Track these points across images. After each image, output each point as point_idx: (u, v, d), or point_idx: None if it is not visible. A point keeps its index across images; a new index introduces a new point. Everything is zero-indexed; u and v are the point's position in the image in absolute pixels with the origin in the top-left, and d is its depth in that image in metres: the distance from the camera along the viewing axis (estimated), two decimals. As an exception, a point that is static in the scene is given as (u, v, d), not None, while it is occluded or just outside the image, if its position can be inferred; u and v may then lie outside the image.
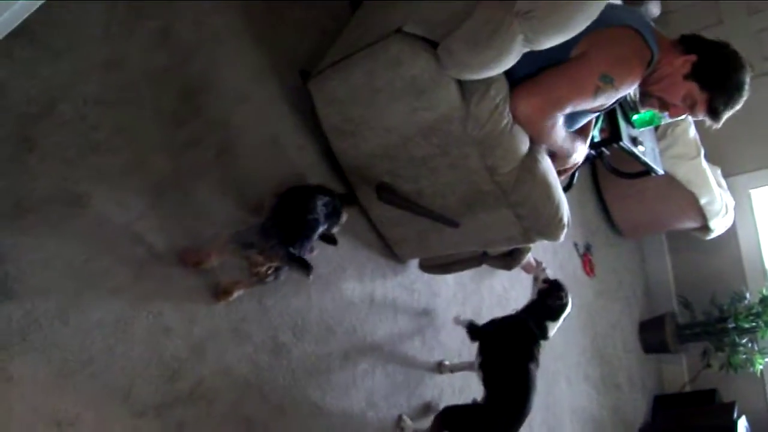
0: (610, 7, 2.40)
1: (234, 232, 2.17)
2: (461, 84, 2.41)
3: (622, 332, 5.96)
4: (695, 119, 2.75)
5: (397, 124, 2.56)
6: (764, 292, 5.93)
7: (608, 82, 2.41)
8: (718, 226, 5.95)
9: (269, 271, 2.15)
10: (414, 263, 3.32)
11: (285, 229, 2.16)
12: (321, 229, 2.33)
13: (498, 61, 2.28)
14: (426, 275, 3.38)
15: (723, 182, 6.13)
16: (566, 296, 3.08)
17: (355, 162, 2.78)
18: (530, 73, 2.46)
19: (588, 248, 5.62)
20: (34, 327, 1.81)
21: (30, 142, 1.90)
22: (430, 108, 2.45)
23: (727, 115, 2.60)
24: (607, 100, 2.53)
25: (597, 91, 2.42)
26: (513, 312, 3.12)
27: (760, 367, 5.89)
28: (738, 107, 2.59)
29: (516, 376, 2.87)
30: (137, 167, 2.17)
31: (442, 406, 3.19)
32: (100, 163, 2.07)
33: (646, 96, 2.70)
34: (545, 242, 3.44)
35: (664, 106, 2.68)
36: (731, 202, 6.01)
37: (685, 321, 6.43)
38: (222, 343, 2.29)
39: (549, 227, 2.66)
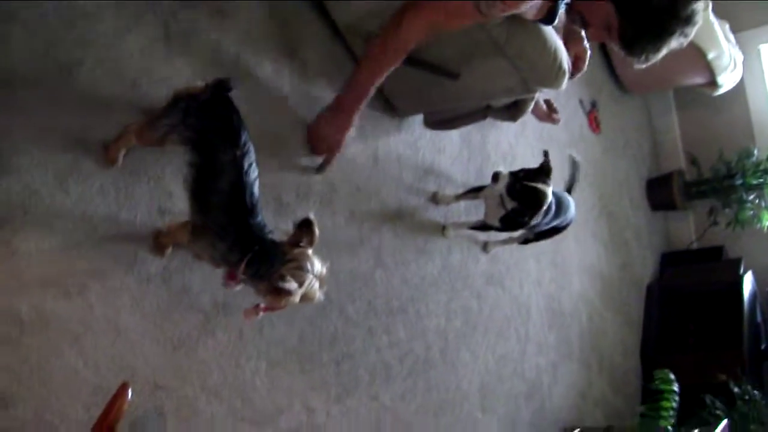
0: None
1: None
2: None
3: (629, 190, 5.96)
4: (614, 48, 2.26)
5: None
6: (772, 148, 5.92)
7: None
8: (726, 82, 5.87)
9: None
10: (417, 120, 3.25)
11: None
12: None
13: None
14: (430, 132, 3.32)
15: (731, 37, 6.01)
16: None
17: (349, 19, 2.67)
18: None
19: (594, 105, 5.55)
20: (34, 199, 1.78)
21: (13, 16, 1.81)
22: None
23: (648, 53, 2.13)
24: (493, 12, 2.22)
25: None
26: None
27: (767, 222, 5.92)
28: (667, 44, 2.10)
29: None
30: (128, 32, 2.08)
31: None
32: (88, 30, 1.98)
33: (571, 10, 2.37)
34: (551, 98, 3.40)
35: (584, 24, 2.32)
36: (740, 57, 5.91)
37: (693, 178, 6.44)
38: (224, 204, 2.25)
39: (548, 76, 2.59)
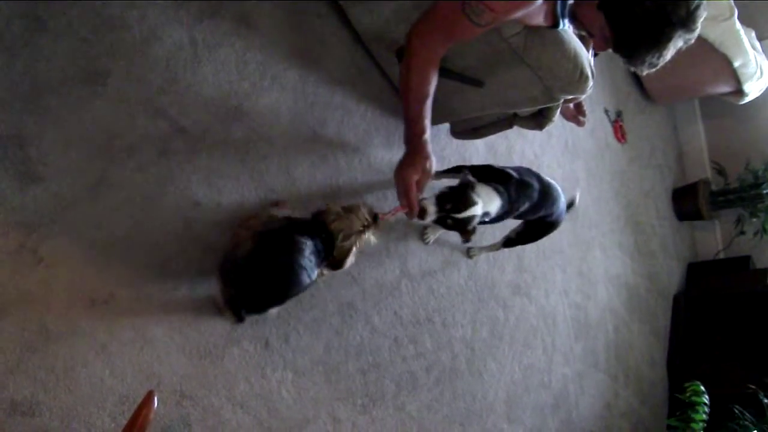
0: None
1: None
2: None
3: (655, 200, 5.92)
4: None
5: None
6: (799, 157, 5.88)
7: None
8: (753, 90, 5.83)
9: None
10: (443, 129, 3.24)
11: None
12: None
13: None
14: (456, 141, 3.29)
15: (757, 45, 5.97)
16: None
17: (372, 28, 2.66)
18: None
19: (619, 114, 5.53)
20: (61, 208, 1.78)
21: (42, 22, 1.82)
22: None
23: (650, 60, 2.05)
24: (485, 19, 2.09)
25: (466, 10, 2.06)
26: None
27: (794, 232, 5.90)
28: (668, 49, 2.01)
29: None
30: (153, 41, 2.09)
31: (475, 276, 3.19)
32: (115, 39, 1.99)
33: (575, 19, 2.35)
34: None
35: (589, 33, 2.30)
36: (766, 65, 5.86)
37: (719, 188, 6.40)
38: (251, 213, 2.24)
39: (570, 83, 2.52)
